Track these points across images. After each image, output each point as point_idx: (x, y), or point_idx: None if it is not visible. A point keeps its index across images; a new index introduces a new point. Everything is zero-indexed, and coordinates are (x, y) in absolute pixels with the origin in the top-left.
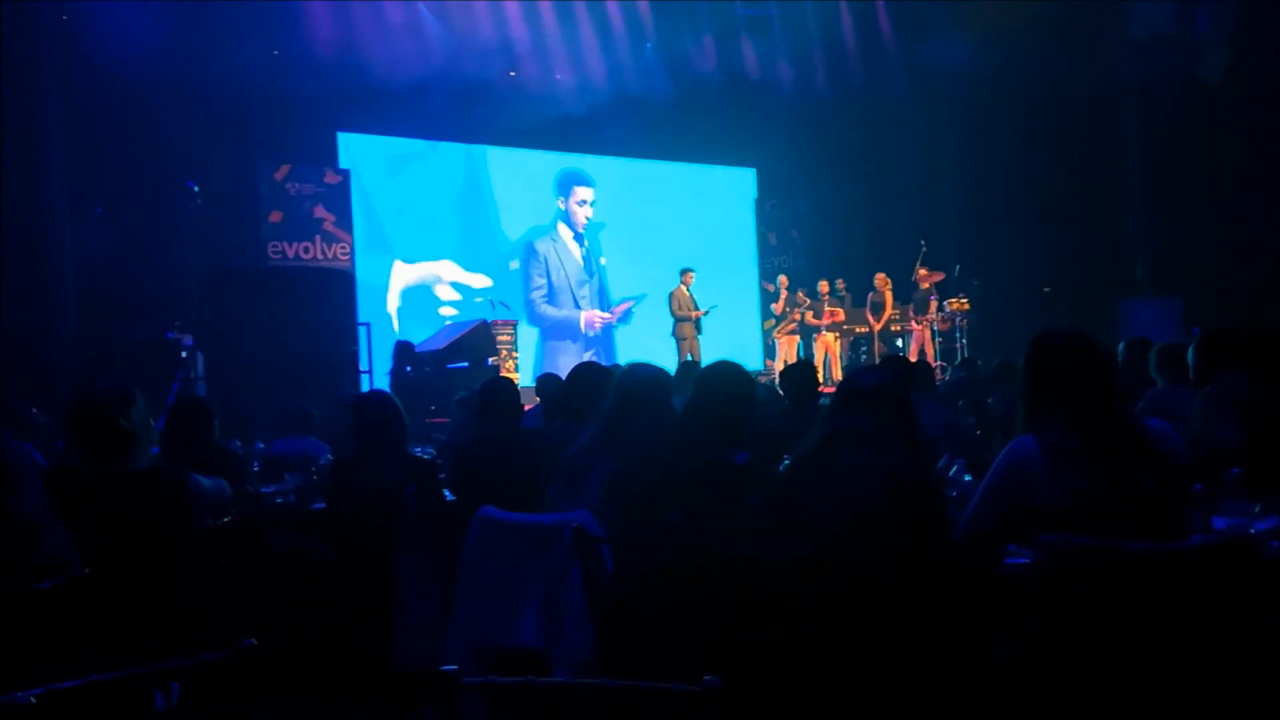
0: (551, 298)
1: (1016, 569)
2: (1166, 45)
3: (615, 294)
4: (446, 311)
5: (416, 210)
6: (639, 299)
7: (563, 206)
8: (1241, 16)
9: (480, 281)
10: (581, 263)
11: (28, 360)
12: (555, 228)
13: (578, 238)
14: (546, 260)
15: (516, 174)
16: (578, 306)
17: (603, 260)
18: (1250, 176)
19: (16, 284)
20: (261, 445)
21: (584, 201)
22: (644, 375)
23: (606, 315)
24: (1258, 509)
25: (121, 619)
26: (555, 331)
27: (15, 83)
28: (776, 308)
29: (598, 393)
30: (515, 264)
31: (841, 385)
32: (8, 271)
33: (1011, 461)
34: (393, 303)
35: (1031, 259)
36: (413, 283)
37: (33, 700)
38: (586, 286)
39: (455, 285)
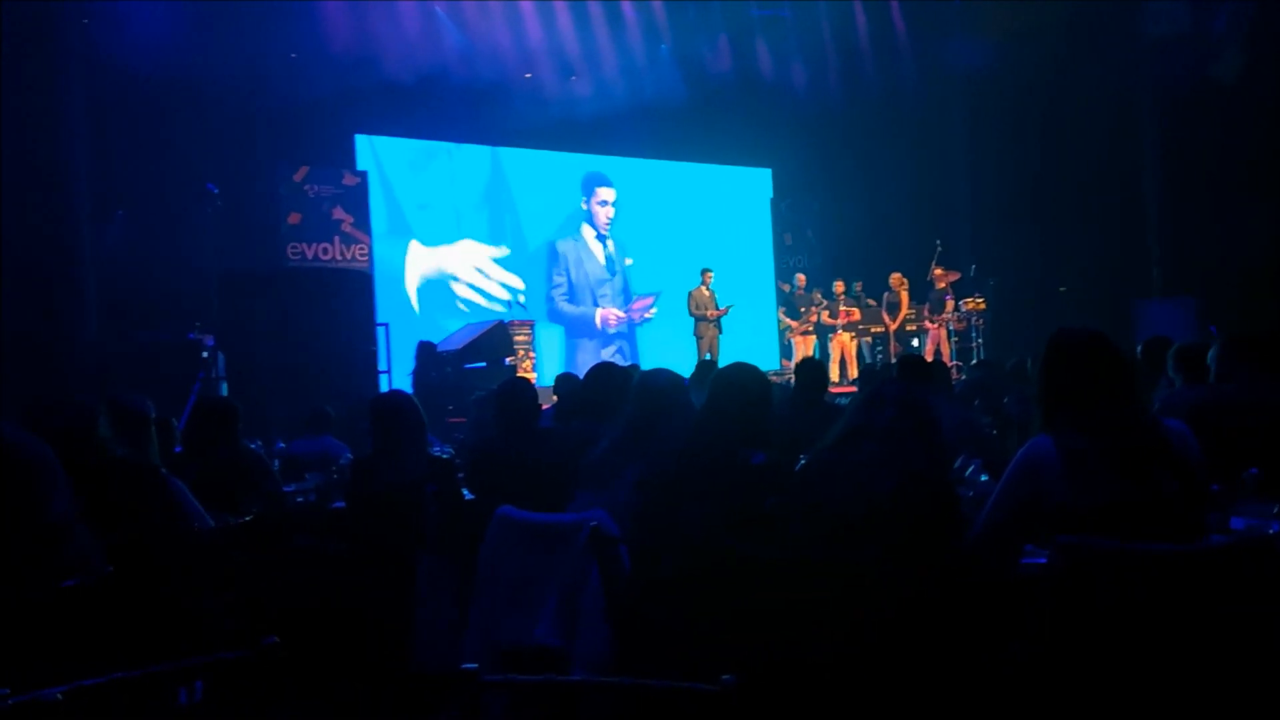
0: (572, 296)
1: (1032, 569)
2: (1182, 44)
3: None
4: (462, 292)
5: (433, 211)
6: (657, 295)
7: (585, 207)
8: (1258, 15)
9: (498, 273)
10: (604, 262)
11: (50, 362)
12: (579, 228)
13: (600, 238)
14: (567, 259)
15: (532, 175)
16: (596, 305)
17: (628, 261)
18: (1266, 176)
19: (39, 286)
20: (282, 445)
21: (604, 202)
22: (661, 380)
23: (621, 314)
24: (1276, 509)
25: (144, 617)
26: (578, 330)
27: (37, 87)
28: (811, 315)
29: (615, 393)
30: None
31: (866, 388)
32: (30, 274)
33: (1028, 462)
34: (411, 288)
35: (1047, 258)
36: (431, 271)
37: (59, 697)
38: (607, 286)
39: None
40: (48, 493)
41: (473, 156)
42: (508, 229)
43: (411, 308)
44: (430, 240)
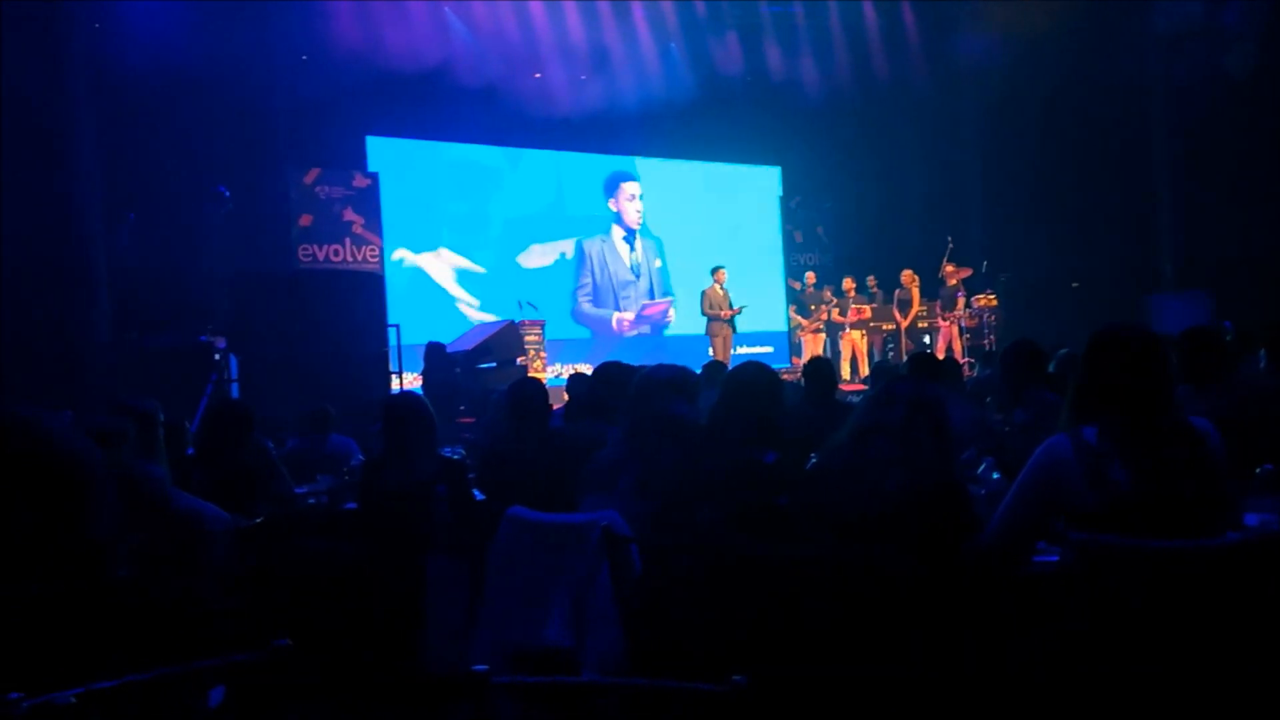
0: (596, 298)
1: (1046, 567)
2: (1194, 39)
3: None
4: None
5: (444, 212)
6: (671, 300)
7: (614, 207)
8: (1270, 10)
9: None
10: (629, 264)
11: (62, 365)
12: (609, 229)
13: (628, 238)
14: (593, 260)
15: (543, 175)
16: (617, 307)
17: (658, 263)
18: (1278, 169)
19: (51, 290)
20: (294, 442)
21: (633, 196)
22: (660, 377)
23: (632, 316)
24: None
25: (156, 621)
26: (602, 332)
27: (47, 91)
28: (821, 313)
29: (622, 391)
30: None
31: (877, 386)
32: (42, 278)
33: (1046, 460)
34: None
35: (1059, 254)
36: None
37: (73, 700)
38: (631, 288)
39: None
40: (93, 508)
41: (481, 157)
42: (511, 227)
43: (423, 309)
44: (438, 245)
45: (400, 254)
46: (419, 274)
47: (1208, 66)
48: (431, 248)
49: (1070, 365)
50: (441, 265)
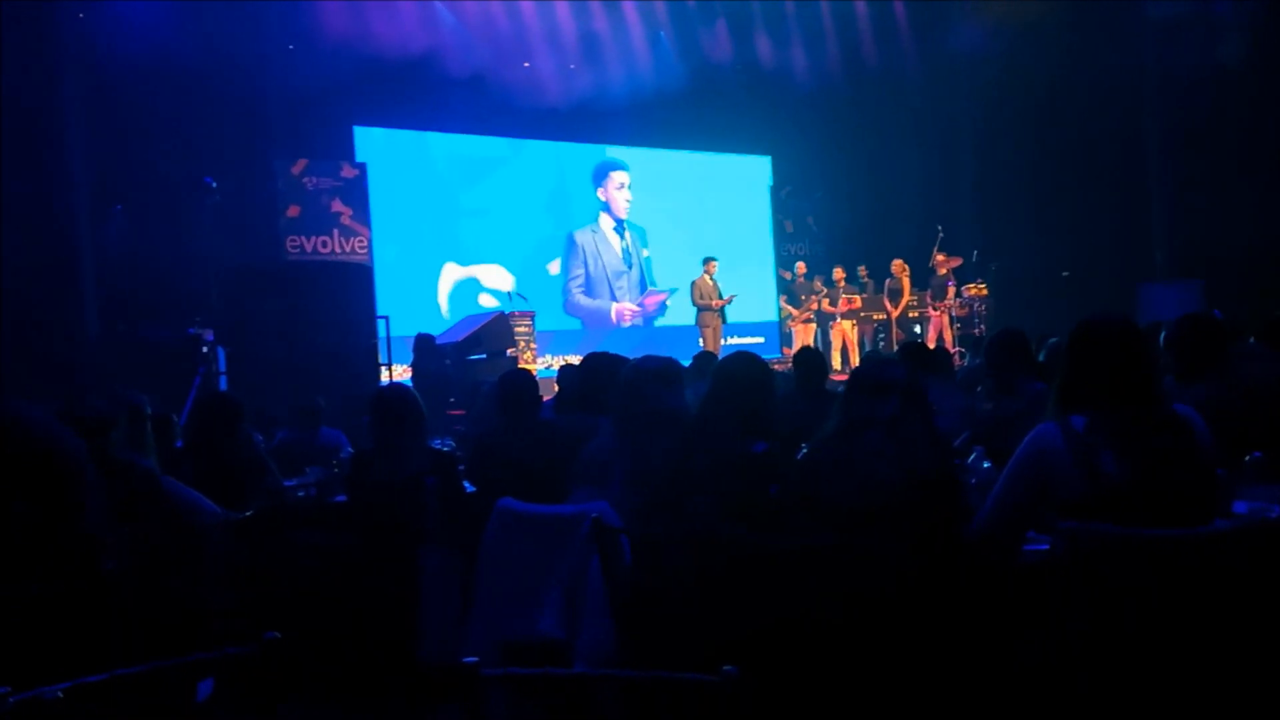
0: (589, 288)
1: (1035, 556)
2: (1186, 28)
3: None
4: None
5: (432, 204)
6: (671, 292)
7: (602, 197)
8: None
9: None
10: (620, 254)
11: (50, 358)
12: (597, 219)
13: (618, 228)
14: (585, 250)
15: (531, 164)
16: (614, 298)
17: (645, 252)
18: (1271, 159)
19: (39, 283)
20: (283, 434)
21: (622, 185)
22: (649, 369)
23: (635, 308)
24: None
25: (146, 615)
26: (595, 323)
27: (34, 83)
28: (812, 303)
29: (610, 382)
30: (555, 266)
31: (859, 374)
32: (30, 270)
33: (1036, 449)
34: (443, 301)
35: (1050, 243)
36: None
37: (60, 695)
38: (624, 278)
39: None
40: (80, 500)
41: (470, 147)
42: (505, 220)
43: (415, 301)
44: (430, 239)
45: (450, 268)
46: (473, 283)
47: (1201, 55)
48: (425, 241)
49: (1060, 354)
50: (495, 275)
